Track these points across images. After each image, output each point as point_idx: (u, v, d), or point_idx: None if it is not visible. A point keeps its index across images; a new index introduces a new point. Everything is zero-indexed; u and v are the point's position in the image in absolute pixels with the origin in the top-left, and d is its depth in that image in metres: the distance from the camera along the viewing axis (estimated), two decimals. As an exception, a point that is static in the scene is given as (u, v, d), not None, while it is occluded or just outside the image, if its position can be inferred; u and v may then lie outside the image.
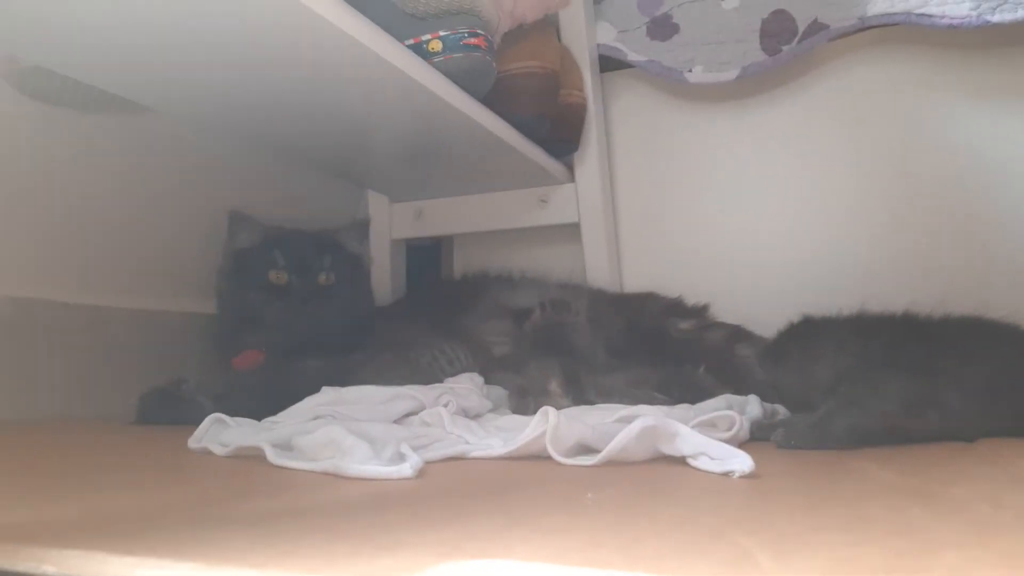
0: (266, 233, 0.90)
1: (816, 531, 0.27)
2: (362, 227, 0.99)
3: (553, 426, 0.47)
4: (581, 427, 0.48)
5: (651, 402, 0.63)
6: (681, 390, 0.68)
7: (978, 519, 0.29)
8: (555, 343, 0.78)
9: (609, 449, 0.45)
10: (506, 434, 0.54)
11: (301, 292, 0.85)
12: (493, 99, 0.85)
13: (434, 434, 0.55)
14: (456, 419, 0.58)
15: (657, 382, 0.70)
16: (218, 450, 0.52)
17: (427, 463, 0.46)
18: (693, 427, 0.48)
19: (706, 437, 0.45)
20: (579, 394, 0.68)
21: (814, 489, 0.38)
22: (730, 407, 0.57)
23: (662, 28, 1.08)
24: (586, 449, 0.48)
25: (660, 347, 0.82)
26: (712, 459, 0.43)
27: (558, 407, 0.64)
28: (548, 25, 0.99)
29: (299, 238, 0.90)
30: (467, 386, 0.68)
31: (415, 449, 0.48)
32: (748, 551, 0.24)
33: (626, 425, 0.46)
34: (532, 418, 0.49)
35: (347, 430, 0.47)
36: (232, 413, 0.58)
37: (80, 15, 0.56)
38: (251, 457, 0.50)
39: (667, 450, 0.46)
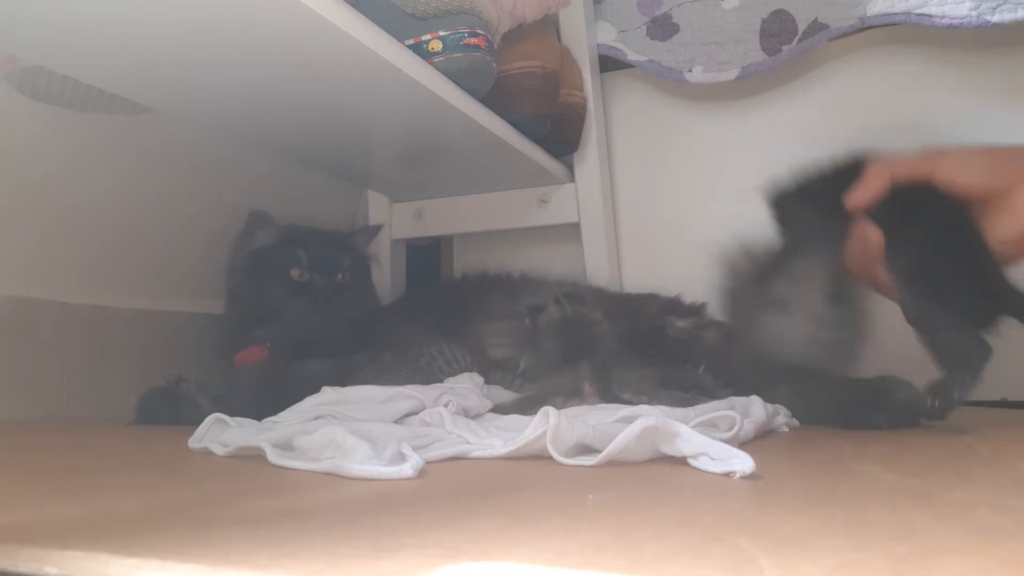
0: (284, 232, 0.91)
1: (818, 534, 0.27)
2: (372, 231, 1.01)
3: (554, 426, 0.47)
4: (582, 427, 0.48)
5: (675, 402, 0.63)
6: (682, 390, 0.68)
7: (980, 524, 0.29)
8: (576, 339, 0.77)
9: (610, 449, 0.45)
10: (507, 434, 0.54)
11: (324, 289, 0.87)
12: (493, 99, 0.85)
13: (435, 434, 0.55)
14: (457, 419, 0.58)
15: (658, 382, 0.70)
16: (218, 450, 0.52)
17: (427, 463, 0.46)
18: (693, 427, 0.48)
19: (706, 437, 0.45)
20: (608, 393, 0.68)
21: (815, 491, 0.38)
22: (732, 408, 0.57)
23: (662, 28, 1.08)
24: (586, 449, 0.48)
25: (659, 346, 0.82)
26: (713, 459, 0.43)
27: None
28: (548, 25, 0.99)
29: (318, 237, 0.92)
30: (467, 386, 0.68)
31: (416, 449, 0.48)
32: (750, 554, 0.24)
33: (627, 425, 0.46)
34: (532, 418, 0.49)
35: (348, 430, 0.47)
36: (232, 414, 0.58)
37: (80, 15, 0.56)
38: (251, 457, 0.50)
39: (667, 450, 0.46)
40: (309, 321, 0.85)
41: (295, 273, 0.87)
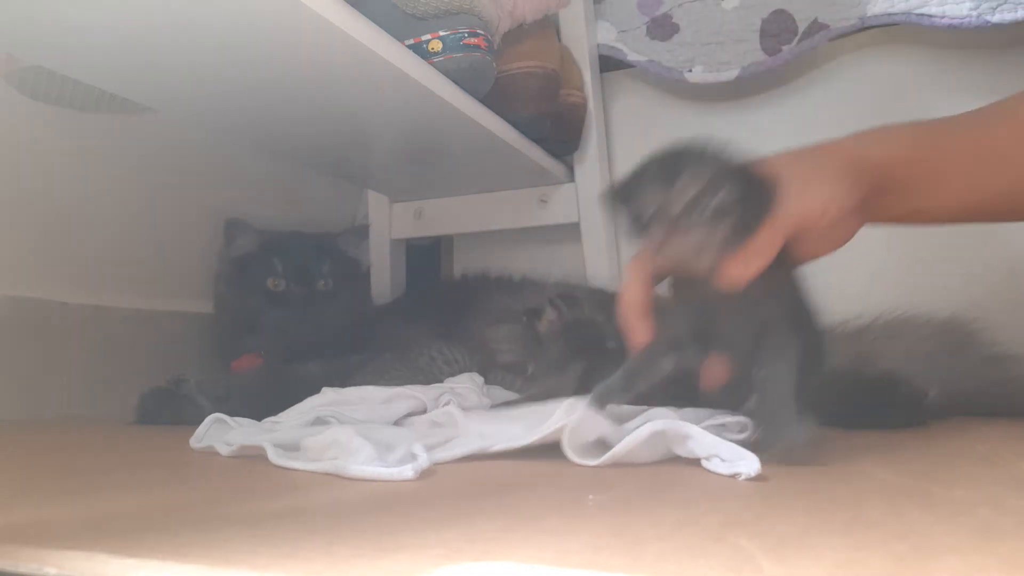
0: (264, 239, 0.90)
1: (817, 534, 0.27)
2: (361, 232, 1.00)
3: (577, 419, 0.47)
4: (604, 424, 0.48)
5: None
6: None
7: (980, 523, 0.29)
8: (580, 344, 0.77)
9: (614, 452, 0.45)
10: (525, 421, 0.53)
11: (300, 299, 0.86)
12: (493, 99, 0.85)
13: (447, 433, 0.54)
14: (471, 414, 0.57)
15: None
16: (223, 449, 0.52)
17: (437, 464, 0.45)
18: (704, 429, 0.48)
19: (718, 438, 0.45)
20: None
21: (815, 490, 0.38)
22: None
23: (662, 28, 1.08)
24: (603, 446, 0.48)
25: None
26: (723, 460, 0.43)
27: None
28: (548, 25, 0.99)
29: (297, 243, 0.91)
30: (467, 386, 0.68)
31: (430, 449, 0.47)
32: (750, 554, 0.24)
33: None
34: (553, 406, 0.49)
35: (355, 432, 0.47)
36: (232, 414, 0.58)
37: (80, 15, 0.56)
38: (252, 457, 0.50)
39: (680, 452, 0.46)
40: (287, 331, 0.85)
41: (270, 283, 0.86)
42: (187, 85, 0.71)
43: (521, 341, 0.82)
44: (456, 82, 0.76)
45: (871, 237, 1.01)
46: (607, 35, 1.11)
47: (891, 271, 0.99)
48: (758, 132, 1.09)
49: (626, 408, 0.60)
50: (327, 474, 0.43)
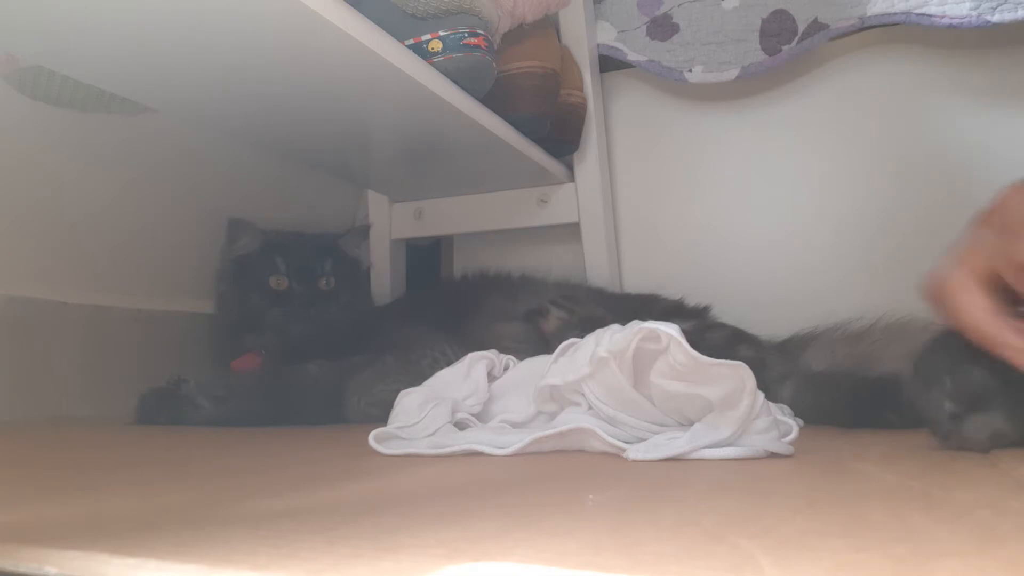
0: (266, 238, 0.90)
1: (818, 535, 0.27)
2: (362, 232, 1.00)
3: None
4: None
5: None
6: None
7: (980, 526, 0.29)
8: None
9: (523, 445, 0.48)
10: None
11: (302, 297, 0.86)
12: (493, 99, 0.85)
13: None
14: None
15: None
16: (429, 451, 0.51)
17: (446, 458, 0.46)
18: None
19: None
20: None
21: (815, 491, 0.38)
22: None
23: (662, 28, 1.08)
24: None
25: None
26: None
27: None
28: (548, 25, 1.00)
29: (299, 243, 0.91)
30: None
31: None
32: (750, 555, 0.24)
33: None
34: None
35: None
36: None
37: (80, 15, 0.56)
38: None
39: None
40: (289, 329, 0.85)
41: (273, 281, 0.87)
42: (187, 85, 0.71)
43: (530, 341, 0.82)
44: (456, 82, 0.76)
45: (871, 238, 1.02)
46: (607, 35, 1.11)
47: (892, 273, 0.99)
48: (758, 132, 1.09)
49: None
50: (328, 472, 0.43)
